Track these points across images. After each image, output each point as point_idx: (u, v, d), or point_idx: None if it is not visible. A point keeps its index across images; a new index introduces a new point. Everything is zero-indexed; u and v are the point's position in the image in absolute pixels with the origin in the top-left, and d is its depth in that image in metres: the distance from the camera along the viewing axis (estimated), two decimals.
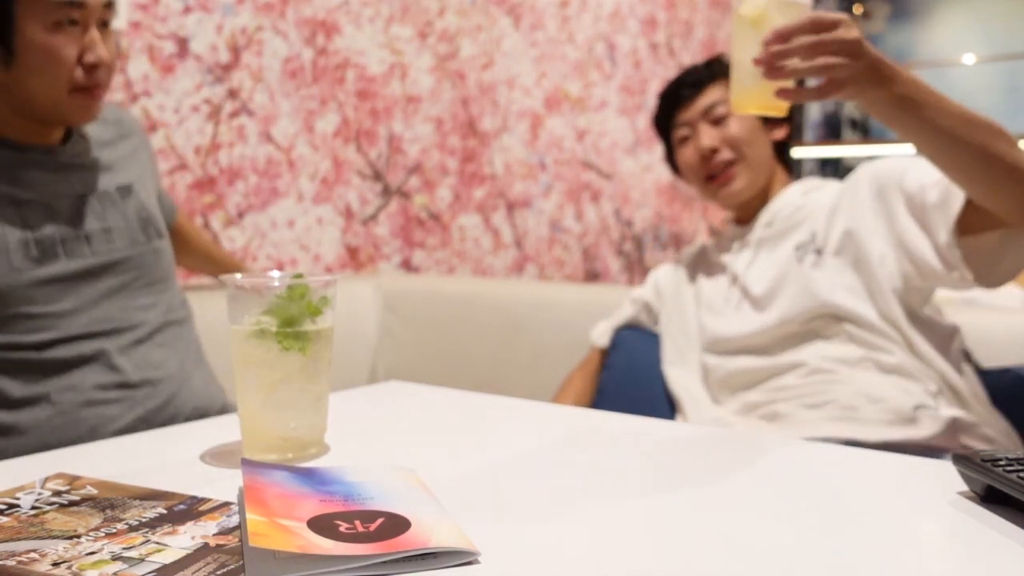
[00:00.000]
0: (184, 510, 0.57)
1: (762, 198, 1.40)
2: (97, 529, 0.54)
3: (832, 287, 1.22)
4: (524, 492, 0.63)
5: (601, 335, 1.53)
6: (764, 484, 0.66)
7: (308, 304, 0.71)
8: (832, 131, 5.20)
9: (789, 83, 0.97)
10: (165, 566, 0.48)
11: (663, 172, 3.36)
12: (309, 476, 0.62)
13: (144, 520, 0.55)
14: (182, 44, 1.75)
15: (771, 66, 0.93)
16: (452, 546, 0.50)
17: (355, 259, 2.12)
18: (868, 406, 1.14)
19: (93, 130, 1.21)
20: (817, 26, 0.92)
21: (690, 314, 1.41)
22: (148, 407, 1.12)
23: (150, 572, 0.47)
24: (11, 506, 0.58)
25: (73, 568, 0.48)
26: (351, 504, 0.56)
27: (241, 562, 0.49)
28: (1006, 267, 1.11)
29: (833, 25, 0.92)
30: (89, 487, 0.62)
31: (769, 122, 1.40)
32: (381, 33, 2.17)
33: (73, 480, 0.63)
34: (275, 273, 0.73)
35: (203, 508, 0.58)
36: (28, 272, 1.06)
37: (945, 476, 0.66)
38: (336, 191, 2.07)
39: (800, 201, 1.35)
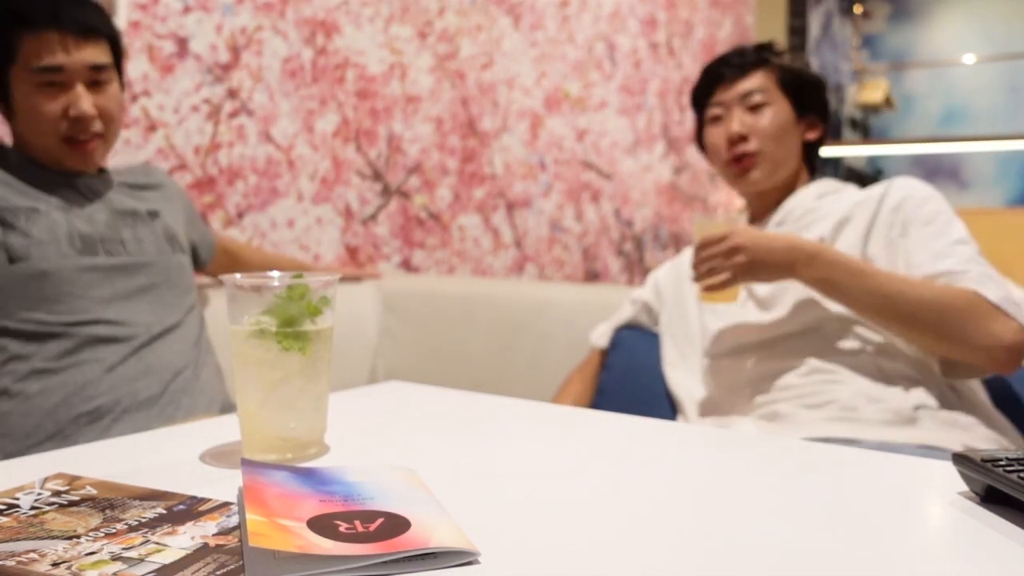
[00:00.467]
0: (184, 510, 0.57)
1: (780, 195, 1.39)
2: (97, 529, 0.54)
3: None
4: (524, 492, 0.63)
5: (600, 336, 1.53)
6: (764, 484, 0.66)
7: (308, 304, 0.71)
8: (832, 131, 5.21)
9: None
10: (165, 566, 0.48)
11: (663, 172, 3.36)
12: (309, 476, 0.61)
13: (144, 520, 0.55)
14: (182, 44, 1.75)
15: (695, 273, 1.22)
16: (452, 546, 0.50)
17: (355, 259, 2.12)
18: (868, 406, 1.14)
19: (128, 176, 1.40)
20: (705, 244, 1.19)
21: (691, 314, 1.41)
22: (165, 385, 1.25)
23: (150, 572, 0.47)
24: (11, 506, 0.58)
25: (73, 568, 0.48)
26: (351, 504, 0.56)
27: (241, 562, 0.49)
28: (962, 370, 1.20)
29: (720, 240, 1.18)
30: (89, 487, 0.62)
31: (804, 119, 1.39)
32: (381, 33, 2.17)
33: (73, 480, 0.63)
34: (275, 273, 0.73)
35: (203, 508, 0.58)
36: (73, 259, 1.23)
37: (945, 476, 0.66)
38: (336, 191, 2.07)
39: (813, 204, 1.34)
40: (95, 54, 1.25)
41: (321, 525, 0.52)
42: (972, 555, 0.53)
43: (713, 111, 1.41)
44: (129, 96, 1.67)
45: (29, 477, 0.64)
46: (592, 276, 2.98)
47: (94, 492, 0.61)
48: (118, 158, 1.65)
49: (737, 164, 1.37)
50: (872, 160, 5.69)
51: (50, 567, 0.48)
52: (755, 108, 1.36)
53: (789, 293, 1.26)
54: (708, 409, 1.30)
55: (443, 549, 0.50)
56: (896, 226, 1.22)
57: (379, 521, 0.53)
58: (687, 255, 1.50)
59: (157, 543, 0.51)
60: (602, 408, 1.19)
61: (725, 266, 1.17)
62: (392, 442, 0.79)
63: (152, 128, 1.71)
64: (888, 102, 5.38)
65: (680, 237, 3.46)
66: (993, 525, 0.56)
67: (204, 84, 1.79)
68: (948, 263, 1.15)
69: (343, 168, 2.08)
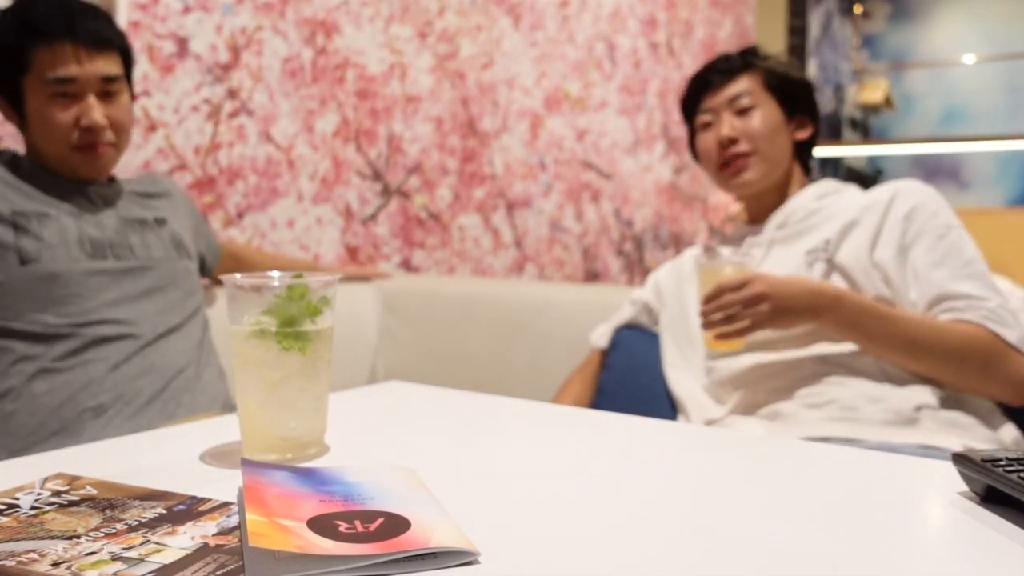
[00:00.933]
0: (184, 510, 0.57)
1: (776, 197, 1.39)
2: (97, 529, 0.54)
3: None
4: (524, 492, 0.63)
5: (600, 336, 1.53)
6: (764, 484, 0.66)
7: (308, 304, 0.71)
8: (832, 131, 5.21)
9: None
10: (165, 566, 0.48)
11: (663, 172, 3.36)
12: (309, 476, 0.61)
13: (144, 520, 0.55)
14: (182, 44, 1.75)
15: (705, 322, 1.17)
16: (452, 546, 0.50)
17: (355, 259, 2.12)
18: (869, 406, 1.14)
19: (138, 185, 1.43)
20: (721, 291, 1.15)
21: (692, 315, 1.41)
22: (167, 382, 1.27)
23: (150, 572, 0.47)
24: (11, 506, 0.58)
25: (73, 568, 0.48)
26: (351, 504, 0.56)
27: (241, 562, 0.49)
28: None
29: (738, 286, 1.14)
30: (88, 487, 0.62)
31: (793, 120, 1.39)
32: (381, 33, 2.17)
33: (72, 480, 0.63)
34: (275, 273, 0.73)
35: (203, 508, 0.58)
36: (83, 262, 1.26)
37: (945, 476, 0.66)
38: (336, 191, 2.07)
39: (814, 205, 1.34)
40: (107, 66, 1.28)
41: (321, 525, 0.52)
42: (972, 555, 0.53)
43: (703, 118, 1.43)
44: None
45: (29, 477, 0.64)
46: (592, 276, 2.98)
47: (94, 492, 0.61)
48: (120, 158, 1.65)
49: (729, 167, 1.38)
50: (872, 160, 5.69)
51: (50, 567, 0.48)
52: (743, 111, 1.38)
53: None
54: (708, 409, 1.30)
55: (443, 549, 0.50)
56: (908, 235, 1.22)
57: (379, 521, 0.53)
58: (688, 255, 1.50)
59: (157, 543, 0.51)
60: (602, 408, 1.19)
61: (745, 315, 1.14)
62: (392, 442, 0.79)
63: (152, 128, 1.71)
64: (888, 102, 5.38)
65: (680, 237, 3.46)
66: (993, 525, 0.56)
67: (204, 84, 1.79)
68: (966, 287, 1.16)
69: (343, 168, 2.08)
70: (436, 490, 0.61)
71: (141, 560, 0.49)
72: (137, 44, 1.68)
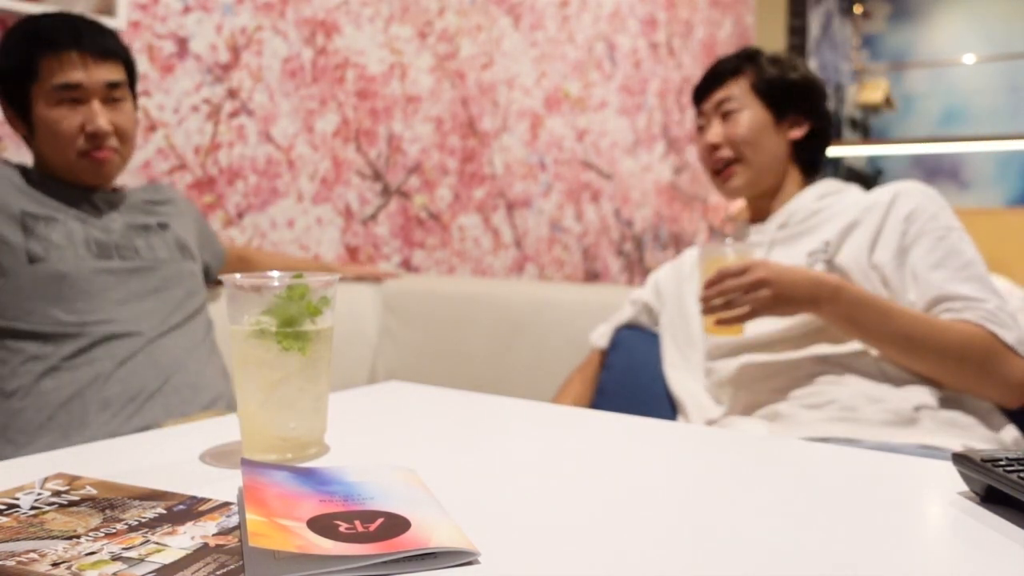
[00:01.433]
0: (184, 510, 0.57)
1: (773, 199, 1.39)
2: (97, 529, 0.54)
3: None
4: (524, 492, 0.63)
5: (600, 336, 1.53)
6: (764, 484, 0.66)
7: (308, 304, 0.71)
8: (832, 131, 5.20)
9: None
10: (165, 566, 0.48)
11: (663, 172, 3.36)
12: (309, 476, 0.61)
13: (144, 520, 0.55)
14: (182, 44, 1.75)
15: (705, 306, 1.17)
16: (452, 546, 0.50)
17: (355, 259, 2.12)
18: (869, 406, 1.14)
19: (142, 193, 1.46)
20: (723, 275, 1.15)
21: (692, 315, 1.41)
22: (169, 378, 1.29)
23: (150, 572, 0.47)
24: (10, 506, 0.58)
25: (73, 568, 0.48)
26: (351, 504, 0.56)
27: (241, 562, 0.49)
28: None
29: (740, 272, 1.14)
30: (88, 487, 0.62)
31: (783, 121, 1.39)
32: (381, 33, 2.17)
33: (72, 480, 0.63)
34: (274, 273, 0.73)
35: (203, 508, 0.58)
36: (90, 262, 1.29)
37: (945, 476, 0.66)
38: (336, 191, 2.07)
39: (815, 205, 1.34)
40: (111, 73, 1.32)
41: (321, 525, 0.52)
42: (972, 555, 0.53)
43: (698, 121, 1.45)
44: None
45: (29, 477, 0.64)
46: (592, 276, 2.98)
47: (94, 492, 0.61)
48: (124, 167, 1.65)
49: (719, 174, 1.40)
50: (872, 160, 5.69)
51: (50, 567, 0.48)
52: (728, 116, 1.39)
53: None
54: (708, 409, 1.30)
55: (443, 549, 0.50)
56: (908, 236, 1.22)
57: (379, 521, 0.53)
58: (688, 255, 1.50)
59: (157, 543, 0.51)
60: (602, 408, 1.20)
61: (745, 300, 1.14)
62: (392, 442, 0.79)
63: (152, 128, 1.71)
64: (888, 102, 5.38)
65: (680, 237, 3.46)
66: (993, 525, 0.56)
67: (204, 84, 1.79)
68: (965, 289, 1.16)
69: (343, 168, 2.08)
70: (436, 490, 0.61)
71: (141, 560, 0.49)
72: (137, 44, 1.68)
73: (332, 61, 2.05)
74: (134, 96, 1.39)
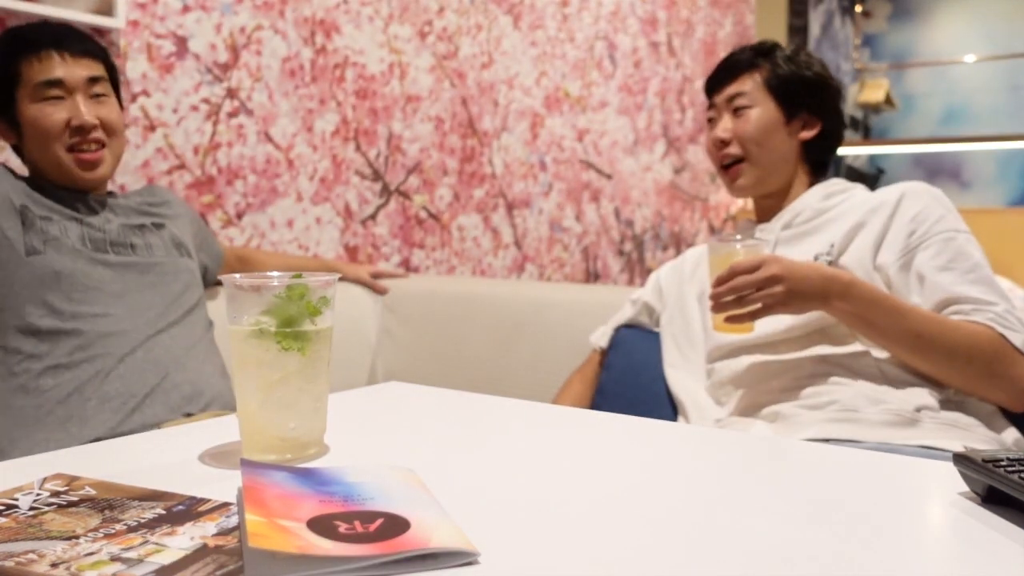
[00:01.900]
0: (183, 511, 0.57)
1: (779, 199, 1.38)
2: (96, 530, 0.53)
3: None
4: (524, 492, 0.63)
5: (601, 336, 1.53)
6: (764, 484, 0.66)
7: (307, 304, 0.71)
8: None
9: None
10: (164, 567, 0.48)
11: (663, 172, 3.36)
12: (308, 476, 0.61)
13: (143, 521, 0.55)
14: (181, 43, 1.75)
15: (715, 304, 1.15)
16: (452, 546, 0.50)
17: (354, 259, 2.12)
18: (870, 407, 1.14)
19: (136, 197, 1.47)
20: (735, 272, 1.13)
21: (693, 315, 1.41)
22: (170, 374, 1.30)
23: (149, 573, 0.47)
24: (9, 507, 0.58)
25: (72, 569, 0.47)
26: (351, 505, 0.56)
27: (240, 563, 0.49)
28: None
29: (752, 268, 1.12)
30: (87, 488, 0.62)
31: (795, 120, 1.37)
32: (380, 32, 2.16)
33: (71, 480, 0.63)
34: (274, 273, 0.73)
35: (202, 509, 0.57)
36: (87, 254, 1.30)
37: (946, 476, 0.66)
38: (335, 191, 2.07)
39: (821, 205, 1.33)
40: (91, 69, 1.34)
41: (321, 525, 0.52)
42: (972, 555, 0.53)
43: (709, 114, 1.44)
44: (128, 96, 1.67)
45: (28, 477, 0.64)
46: (592, 276, 2.98)
47: (93, 492, 0.61)
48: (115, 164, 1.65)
49: (727, 171, 1.39)
50: (873, 160, 5.69)
51: (49, 568, 0.48)
52: (739, 112, 1.37)
53: None
54: (708, 410, 1.30)
55: (443, 549, 0.50)
56: (914, 238, 1.22)
57: (379, 522, 0.53)
58: (689, 255, 1.49)
59: (156, 544, 0.51)
60: (602, 408, 1.19)
61: (757, 297, 1.12)
62: (392, 442, 0.79)
63: (151, 128, 1.71)
64: (889, 101, 5.38)
65: (680, 237, 3.46)
66: (994, 525, 0.56)
67: (203, 84, 1.79)
68: (972, 291, 1.16)
69: (342, 168, 2.08)
70: (436, 490, 0.61)
71: (140, 561, 0.49)
72: (136, 44, 1.68)
73: (332, 61, 2.05)
74: (118, 97, 1.41)
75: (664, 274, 1.51)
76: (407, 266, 2.26)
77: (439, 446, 0.77)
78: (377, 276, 1.96)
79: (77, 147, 1.32)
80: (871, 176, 5.41)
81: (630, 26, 3.14)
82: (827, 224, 1.30)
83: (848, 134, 5.41)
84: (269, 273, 0.73)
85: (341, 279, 1.86)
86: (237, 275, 0.72)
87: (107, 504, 0.58)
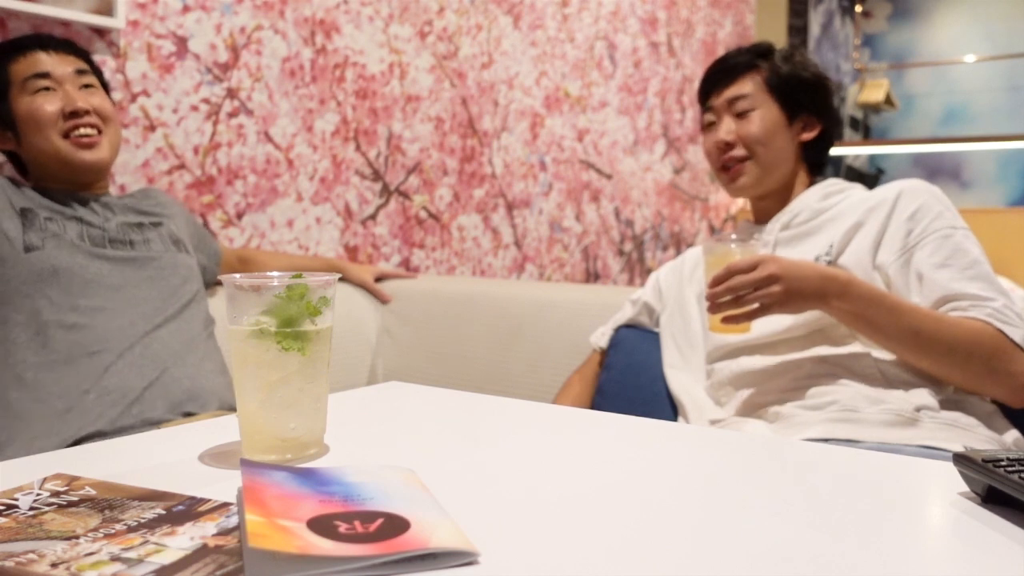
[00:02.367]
0: (183, 511, 0.57)
1: (779, 199, 1.38)
2: (96, 530, 0.53)
3: None
4: (524, 492, 0.63)
5: (600, 336, 1.53)
6: (764, 484, 0.66)
7: (307, 304, 0.71)
8: (839, 129, 5.19)
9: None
10: (164, 567, 0.48)
11: (663, 172, 3.36)
12: (308, 477, 0.61)
13: (143, 521, 0.55)
14: (181, 43, 1.75)
15: (711, 304, 1.15)
16: (452, 546, 0.50)
17: (354, 259, 2.12)
18: (869, 407, 1.14)
19: (131, 199, 1.49)
20: (734, 271, 1.12)
21: (693, 315, 1.41)
22: (168, 368, 1.31)
23: (149, 573, 0.47)
24: (9, 507, 0.58)
25: (72, 569, 0.47)
26: (351, 505, 0.56)
27: (240, 563, 0.49)
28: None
29: (749, 268, 1.12)
30: (87, 488, 0.62)
31: (798, 121, 1.38)
32: (380, 32, 2.16)
33: (71, 480, 0.63)
34: (274, 273, 0.73)
35: (202, 509, 0.57)
36: (86, 248, 1.32)
37: (945, 476, 0.66)
38: (335, 191, 2.07)
39: (819, 205, 1.33)
40: (77, 62, 1.40)
41: (321, 525, 0.52)
42: (972, 555, 0.53)
43: (707, 117, 1.43)
44: (128, 96, 1.67)
45: (28, 477, 0.64)
46: (592, 276, 2.98)
47: (93, 492, 0.61)
48: (118, 157, 1.65)
49: (727, 171, 1.38)
50: (873, 160, 5.69)
51: (49, 568, 0.48)
52: (742, 114, 1.36)
53: None
54: (708, 410, 1.30)
55: (443, 549, 0.50)
56: (913, 236, 1.22)
57: (379, 521, 0.53)
58: (689, 255, 1.49)
59: (156, 544, 0.51)
60: (602, 409, 1.19)
61: (755, 296, 1.12)
62: (392, 442, 0.79)
63: (151, 128, 1.71)
64: (889, 101, 5.38)
65: (680, 237, 3.46)
66: (994, 526, 0.56)
67: (203, 84, 1.79)
68: (971, 288, 1.16)
69: (342, 168, 2.08)
70: (436, 490, 0.61)
71: (140, 561, 0.49)
72: (136, 44, 1.68)
73: (332, 61, 2.05)
74: (108, 93, 1.44)
75: (663, 274, 1.51)
76: (407, 266, 2.26)
77: (439, 446, 0.77)
78: (381, 276, 1.95)
79: (73, 132, 1.35)
80: (870, 176, 5.41)
81: (630, 26, 3.14)
82: (826, 224, 1.30)
83: (848, 134, 5.42)
84: (269, 273, 0.73)
85: (343, 280, 1.87)
86: (237, 275, 0.72)
87: (107, 504, 0.58)
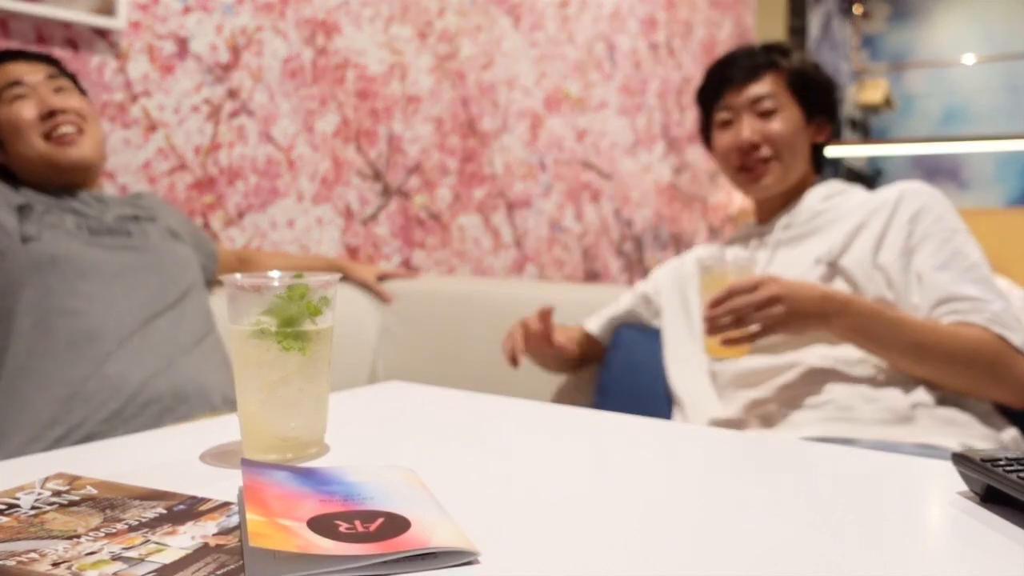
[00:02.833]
0: (184, 510, 0.57)
1: (787, 198, 1.38)
2: (97, 529, 0.54)
3: None
4: (524, 492, 0.63)
5: (593, 322, 1.53)
6: (763, 484, 0.66)
7: (308, 304, 0.71)
8: (832, 131, 5.19)
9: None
10: (165, 566, 0.48)
11: (663, 172, 3.36)
12: (309, 476, 0.61)
13: (144, 520, 0.55)
14: (182, 44, 1.75)
15: (711, 326, 1.13)
16: (452, 546, 0.50)
17: (355, 259, 2.12)
18: (865, 405, 1.14)
19: (123, 201, 1.49)
20: (734, 292, 1.10)
21: (693, 315, 1.41)
22: (172, 360, 1.32)
23: (150, 572, 0.47)
24: (11, 506, 0.58)
25: (73, 568, 0.48)
26: (351, 504, 0.56)
27: (241, 562, 0.49)
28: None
29: (752, 288, 1.10)
30: (89, 487, 0.62)
31: (814, 122, 1.37)
32: (381, 33, 2.17)
33: (73, 480, 0.63)
34: (275, 273, 0.73)
35: (203, 508, 0.58)
36: (83, 238, 1.33)
37: (945, 476, 0.66)
38: (336, 191, 2.07)
39: (820, 206, 1.33)
40: (49, 69, 1.42)
41: (321, 525, 0.52)
42: (972, 555, 0.53)
43: (722, 115, 1.39)
44: (129, 96, 1.67)
45: (29, 477, 0.64)
46: (592, 276, 2.98)
47: (94, 492, 0.61)
48: (119, 158, 1.65)
49: (749, 171, 1.36)
50: (872, 160, 5.69)
51: (50, 567, 0.48)
52: (765, 114, 1.34)
53: None
54: (708, 409, 1.30)
55: (443, 549, 0.50)
56: (913, 237, 1.22)
57: (379, 521, 0.53)
58: (689, 257, 1.49)
59: (157, 543, 0.51)
60: (602, 407, 1.19)
61: (757, 317, 1.10)
62: (392, 442, 0.79)
63: (152, 128, 1.71)
64: (888, 102, 5.38)
65: (680, 237, 3.46)
66: (993, 525, 0.56)
67: (204, 84, 1.79)
68: (970, 290, 1.16)
69: (343, 168, 2.08)
70: (436, 490, 0.61)
71: (141, 560, 0.49)
72: (138, 44, 1.68)
73: (332, 61, 2.05)
74: (83, 94, 1.46)
75: (664, 272, 1.51)
76: (408, 266, 2.26)
77: (439, 446, 0.77)
78: (383, 276, 1.95)
79: (54, 132, 1.36)
80: (869, 177, 5.41)
81: (630, 27, 3.14)
82: (826, 225, 1.30)
83: (847, 134, 5.42)
84: (269, 273, 0.73)
85: (345, 279, 1.87)
86: (238, 275, 0.72)
87: (108, 503, 0.58)
